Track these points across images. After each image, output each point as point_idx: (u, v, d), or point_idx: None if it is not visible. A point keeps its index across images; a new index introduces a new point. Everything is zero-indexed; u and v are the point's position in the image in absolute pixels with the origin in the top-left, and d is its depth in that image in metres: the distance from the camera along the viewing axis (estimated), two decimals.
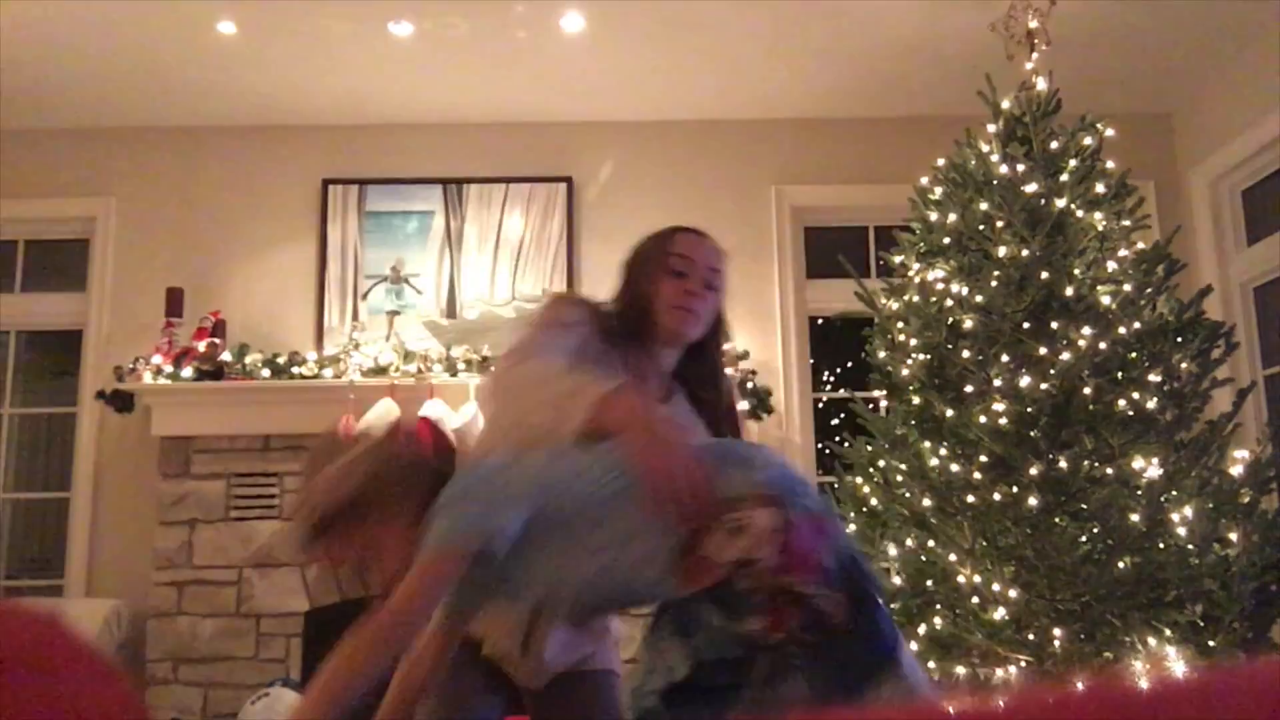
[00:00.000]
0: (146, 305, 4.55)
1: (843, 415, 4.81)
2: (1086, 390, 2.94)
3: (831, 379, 5.04)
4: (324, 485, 1.46)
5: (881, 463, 3.26)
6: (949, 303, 3.22)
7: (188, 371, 4.22)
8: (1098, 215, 3.25)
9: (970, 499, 2.93)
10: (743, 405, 4.50)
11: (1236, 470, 2.92)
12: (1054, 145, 3.32)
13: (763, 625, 1.32)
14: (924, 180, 3.55)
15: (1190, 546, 2.79)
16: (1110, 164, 3.37)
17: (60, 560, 4.50)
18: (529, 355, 1.62)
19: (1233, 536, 2.80)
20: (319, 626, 4.26)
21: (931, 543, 3.05)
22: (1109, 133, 3.38)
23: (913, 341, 3.24)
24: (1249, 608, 2.76)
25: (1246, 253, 4.45)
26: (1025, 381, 2.96)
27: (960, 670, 2.92)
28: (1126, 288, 3.12)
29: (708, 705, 1.33)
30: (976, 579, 2.88)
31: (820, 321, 4.86)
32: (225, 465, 4.28)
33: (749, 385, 4.49)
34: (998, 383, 3.00)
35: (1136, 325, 3.05)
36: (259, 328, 4.58)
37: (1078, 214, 3.23)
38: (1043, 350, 3.02)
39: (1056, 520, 2.84)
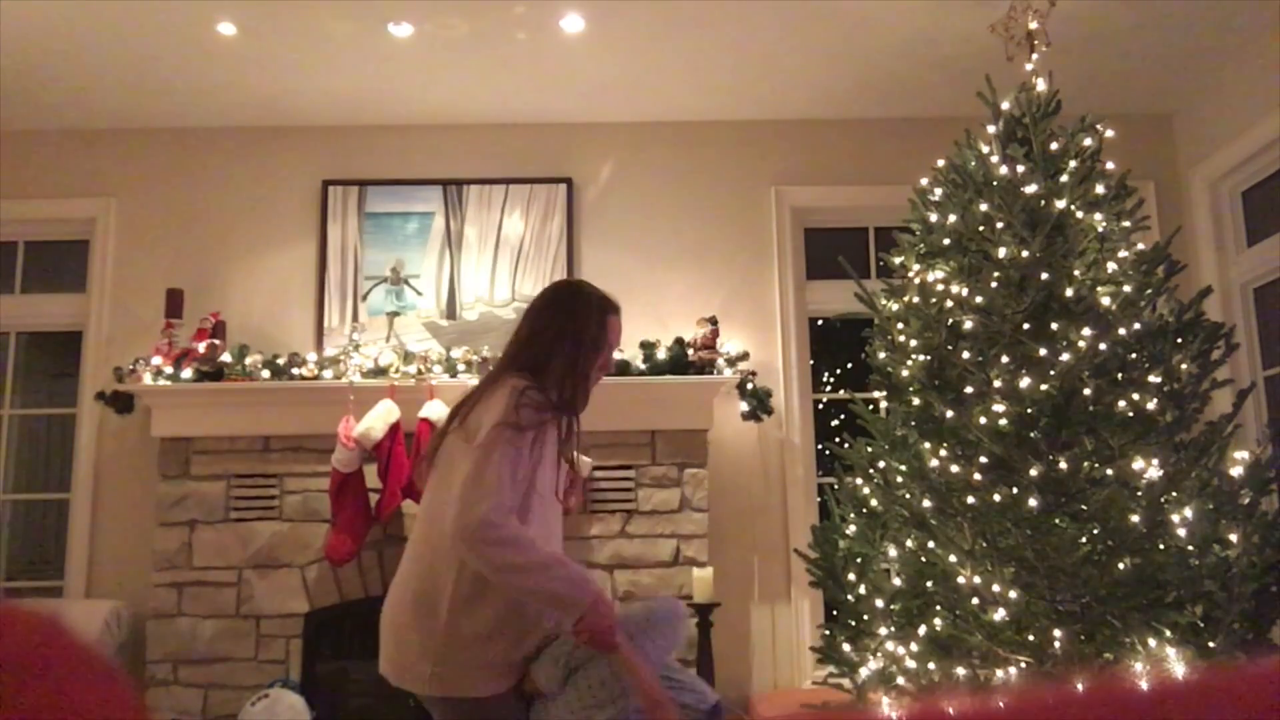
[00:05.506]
0: (146, 306, 4.55)
1: (843, 416, 4.81)
2: (1086, 391, 2.94)
3: (831, 380, 5.05)
4: None
5: (881, 464, 3.26)
6: (949, 304, 3.22)
7: (187, 373, 4.22)
8: (1098, 216, 3.25)
9: (970, 500, 2.93)
10: (743, 406, 4.50)
11: (1236, 471, 2.91)
12: (1054, 146, 3.32)
13: None
14: (924, 181, 3.55)
15: (1190, 547, 2.79)
16: (1110, 165, 3.37)
17: (60, 561, 4.51)
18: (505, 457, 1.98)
19: (1233, 537, 2.80)
20: (319, 628, 4.26)
21: (931, 544, 3.05)
22: (1109, 134, 3.38)
23: (913, 342, 3.25)
24: (1249, 609, 2.76)
25: (1246, 254, 4.45)
26: (1025, 382, 2.96)
27: (960, 671, 2.92)
28: (1126, 289, 3.12)
29: None
30: (976, 580, 2.88)
31: (820, 322, 4.86)
32: (225, 466, 4.28)
33: (749, 386, 4.49)
34: (998, 384, 3.00)
35: (1136, 326, 3.05)
36: (259, 329, 4.58)
37: (1078, 215, 3.23)
38: (1043, 351, 3.02)
39: (1056, 521, 2.84)
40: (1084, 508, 2.84)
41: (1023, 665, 2.82)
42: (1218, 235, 4.54)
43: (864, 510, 3.27)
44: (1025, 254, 3.11)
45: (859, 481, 3.33)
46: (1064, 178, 3.26)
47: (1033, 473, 2.84)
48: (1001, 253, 3.16)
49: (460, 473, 1.96)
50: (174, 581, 4.21)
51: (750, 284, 4.75)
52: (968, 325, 3.13)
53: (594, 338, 2.20)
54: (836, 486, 3.42)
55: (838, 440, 3.48)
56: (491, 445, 1.97)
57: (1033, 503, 2.82)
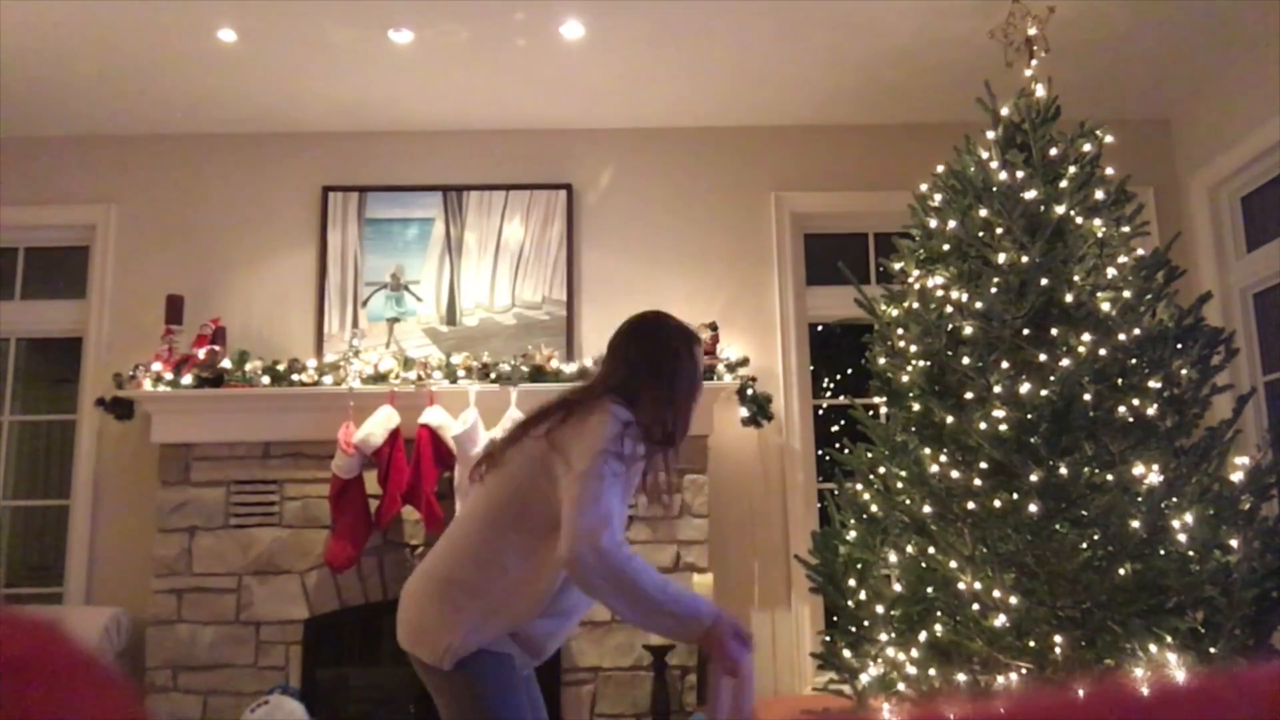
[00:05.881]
0: (146, 312, 4.55)
1: (843, 422, 4.81)
2: (1086, 397, 2.94)
3: (831, 385, 5.04)
4: None
5: (881, 469, 3.26)
6: (949, 309, 3.22)
7: (188, 379, 4.22)
8: (1097, 222, 3.25)
9: (970, 505, 2.93)
10: (743, 412, 4.50)
11: (1237, 477, 2.91)
12: (1053, 152, 3.32)
13: None
14: (924, 187, 3.55)
15: (1191, 553, 2.79)
16: (1109, 170, 3.37)
17: (60, 568, 4.50)
18: (609, 483, 1.99)
19: (1233, 543, 2.79)
20: (319, 634, 4.26)
21: (932, 549, 3.05)
22: (1108, 139, 3.39)
23: (913, 348, 3.25)
24: (1250, 614, 2.75)
25: (1246, 259, 4.45)
26: (1025, 388, 2.96)
27: (961, 677, 2.91)
28: (1126, 294, 3.12)
29: None
30: (977, 585, 2.88)
31: (820, 328, 4.86)
32: (225, 472, 4.28)
33: (749, 392, 4.49)
34: (998, 389, 3.00)
35: (1136, 332, 3.05)
36: (259, 335, 4.58)
37: (1077, 220, 3.24)
38: (1043, 357, 3.02)
39: (1057, 527, 2.84)
40: (1084, 513, 2.84)
41: (1023, 671, 2.82)
42: (1217, 240, 4.54)
43: (864, 516, 3.27)
44: (1025, 259, 3.11)
45: (859, 487, 3.32)
46: (1063, 183, 3.26)
47: (1033, 478, 2.84)
48: (1001, 258, 3.16)
49: (566, 496, 1.97)
50: (174, 588, 4.21)
51: (750, 289, 4.75)
52: (968, 331, 3.13)
53: (690, 372, 2.24)
54: (837, 492, 3.42)
55: (838, 446, 3.49)
56: (600, 473, 1.96)
57: (1033, 508, 2.81)
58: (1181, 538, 2.78)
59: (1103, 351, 2.99)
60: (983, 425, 2.96)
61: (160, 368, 4.26)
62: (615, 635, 4.19)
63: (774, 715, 3.86)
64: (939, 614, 2.99)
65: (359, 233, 4.72)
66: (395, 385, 4.23)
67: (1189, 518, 2.78)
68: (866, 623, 3.13)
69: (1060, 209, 3.20)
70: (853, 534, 3.28)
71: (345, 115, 4.67)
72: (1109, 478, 2.87)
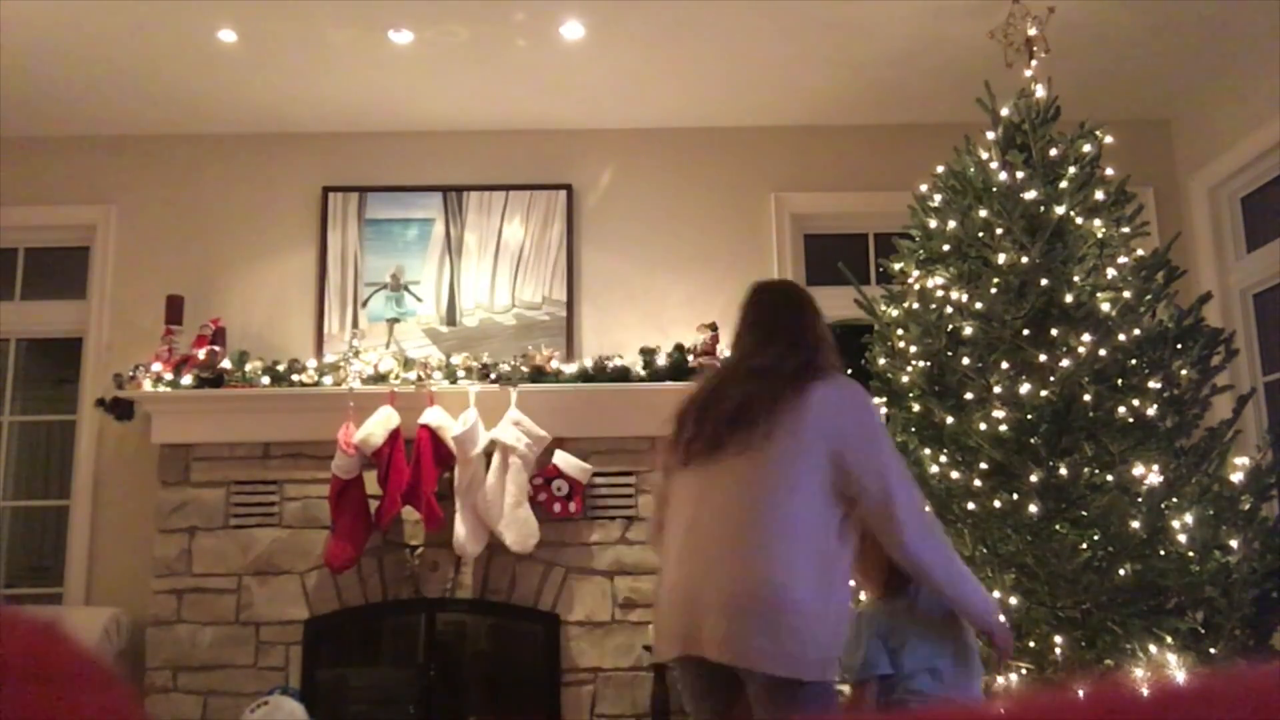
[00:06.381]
0: (146, 313, 4.55)
1: None
2: (1086, 397, 2.94)
3: None
4: None
5: None
6: (949, 310, 3.22)
7: (188, 379, 4.22)
8: (1097, 222, 3.26)
9: (970, 506, 2.93)
10: None
11: (1237, 477, 2.92)
12: (1053, 152, 3.32)
13: None
14: (923, 187, 3.56)
15: (1191, 554, 2.79)
16: (1109, 171, 3.38)
17: (60, 568, 4.50)
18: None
19: (1233, 543, 2.80)
20: (319, 635, 4.25)
21: None
22: (1108, 140, 3.39)
23: (912, 348, 3.25)
24: (1250, 615, 2.76)
25: (1246, 259, 4.45)
26: (1025, 388, 2.97)
27: None
28: (1126, 294, 3.12)
29: None
30: None
31: None
32: (225, 473, 4.28)
33: None
34: (998, 390, 3.00)
35: (1136, 332, 3.05)
36: (259, 335, 4.58)
37: (1077, 221, 3.24)
38: (1042, 357, 3.03)
39: (1057, 527, 2.84)
40: (1084, 514, 2.84)
41: (1023, 671, 2.82)
42: (1217, 241, 4.54)
43: None
44: (1025, 260, 3.11)
45: None
46: (1063, 184, 3.26)
47: (1033, 479, 2.84)
48: (1001, 259, 3.16)
49: (890, 494, 2.05)
50: (173, 588, 4.21)
51: None
52: (967, 331, 3.13)
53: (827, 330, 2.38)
54: None
55: None
56: (898, 466, 2.13)
57: (1033, 509, 2.82)
58: (1181, 538, 2.78)
59: (1103, 352, 2.99)
60: (983, 426, 2.96)
61: (160, 368, 4.25)
62: (615, 636, 4.18)
63: None
64: None
65: (359, 233, 4.72)
66: (395, 386, 4.23)
67: (1189, 518, 2.78)
68: None
69: (1060, 209, 3.20)
70: None
71: (345, 115, 4.67)
72: (1109, 478, 2.87)
